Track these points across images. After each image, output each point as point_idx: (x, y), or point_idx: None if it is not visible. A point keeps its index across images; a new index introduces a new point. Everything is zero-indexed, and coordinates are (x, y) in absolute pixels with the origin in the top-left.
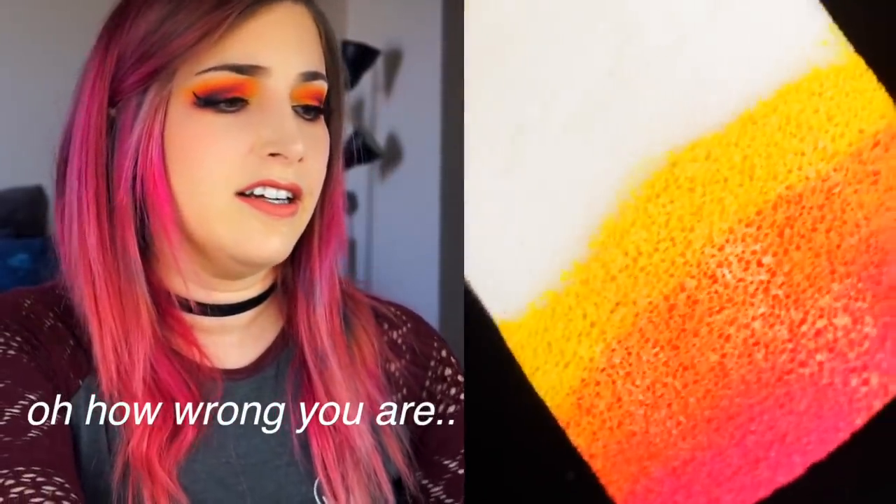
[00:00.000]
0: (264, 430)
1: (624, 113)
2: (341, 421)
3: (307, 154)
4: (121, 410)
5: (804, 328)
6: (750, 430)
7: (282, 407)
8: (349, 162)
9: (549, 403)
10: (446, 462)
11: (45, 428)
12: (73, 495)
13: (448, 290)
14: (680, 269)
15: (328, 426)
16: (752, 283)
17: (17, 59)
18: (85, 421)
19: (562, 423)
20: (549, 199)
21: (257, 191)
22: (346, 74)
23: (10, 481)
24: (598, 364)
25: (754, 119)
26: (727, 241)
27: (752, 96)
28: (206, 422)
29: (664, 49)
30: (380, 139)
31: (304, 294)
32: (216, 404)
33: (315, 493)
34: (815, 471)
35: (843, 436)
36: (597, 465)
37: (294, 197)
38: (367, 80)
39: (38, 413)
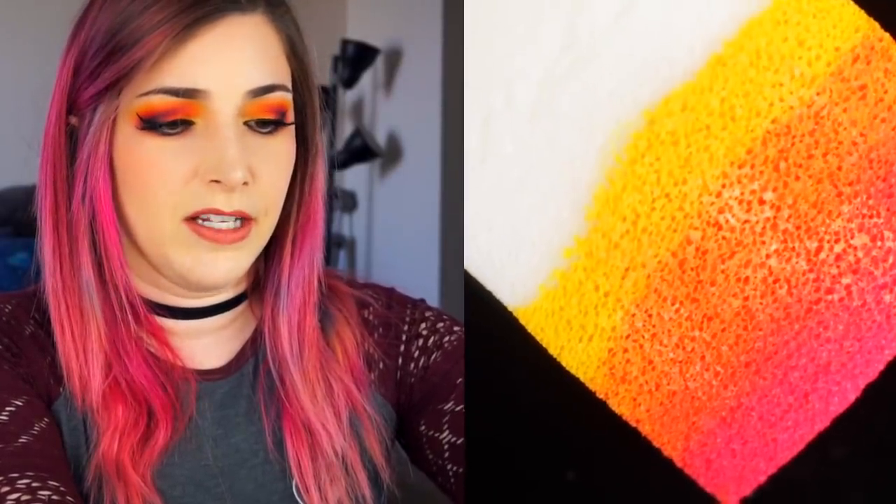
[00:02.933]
0: (241, 429)
1: (591, 82)
2: (311, 423)
3: (260, 173)
4: (92, 416)
5: (822, 255)
6: (791, 367)
7: (257, 404)
8: (349, 161)
9: (582, 379)
10: (440, 406)
11: (36, 432)
12: (69, 498)
13: (448, 288)
14: (681, 223)
15: (301, 426)
16: (757, 222)
17: (17, 57)
18: (66, 428)
19: (600, 396)
20: (536, 182)
21: (203, 216)
22: (316, 79)
23: (6, 488)
24: (621, 332)
25: (723, 61)
26: (723, 186)
27: (717, 39)
28: (180, 424)
29: (618, 10)
30: (380, 138)
31: (272, 295)
32: (191, 406)
33: (294, 490)
34: (872, 392)
35: (892, 352)
36: (645, 430)
37: (244, 220)
38: (367, 78)
39: (27, 418)
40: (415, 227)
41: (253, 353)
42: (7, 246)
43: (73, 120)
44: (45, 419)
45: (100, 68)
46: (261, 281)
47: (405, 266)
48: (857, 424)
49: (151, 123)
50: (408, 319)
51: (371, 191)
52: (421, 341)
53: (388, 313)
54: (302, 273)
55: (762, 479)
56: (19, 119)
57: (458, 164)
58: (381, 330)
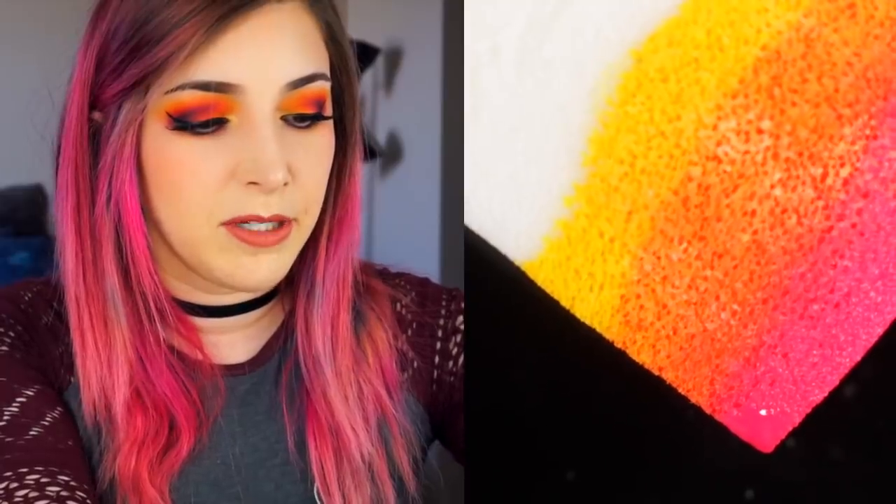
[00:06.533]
0: (262, 427)
1: (575, 26)
2: (339, 426)
3: (299, 170)
4: (108, 425)
5: (829, 181)
6: (809, 299)
7: (280, 403)
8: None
9: (598, 329)
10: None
11: (47, 424)
12: (78, 493)
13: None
14: (680, 161)
15: (326, 429)
16: (757, 152)
17: (17, 55)
18: (78, 416)
19: (619, 346)
20: (529, 133)
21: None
22: (356, 64)
23: (14, 484)
24: (630, 277)
25: None
26: (718, 118)
27: None
28: (204, 430)
29: None
30: (380, 137)
31: (305, 292)
32: (216, 410)
33: (315, 493)
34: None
35: None
36: (669, 377)
37: (284, 221)
38: (367, 78)
39: (39, 409)
40: (415, 227)
41: (278, 348)
42: (7, 246)
43: (97, 115)
44: (58, 408)
45: (124, 65)
46: (293, 277)
47: (405, 266)
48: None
49: (182, 123)
50: (443, 313)
51: (371, 191)
52: (459, 337)
53: (422, 310)
54: (337, 270)
55: (796, 420)
56: (19, 119)
57: (459, 164)
58: (414, 326)
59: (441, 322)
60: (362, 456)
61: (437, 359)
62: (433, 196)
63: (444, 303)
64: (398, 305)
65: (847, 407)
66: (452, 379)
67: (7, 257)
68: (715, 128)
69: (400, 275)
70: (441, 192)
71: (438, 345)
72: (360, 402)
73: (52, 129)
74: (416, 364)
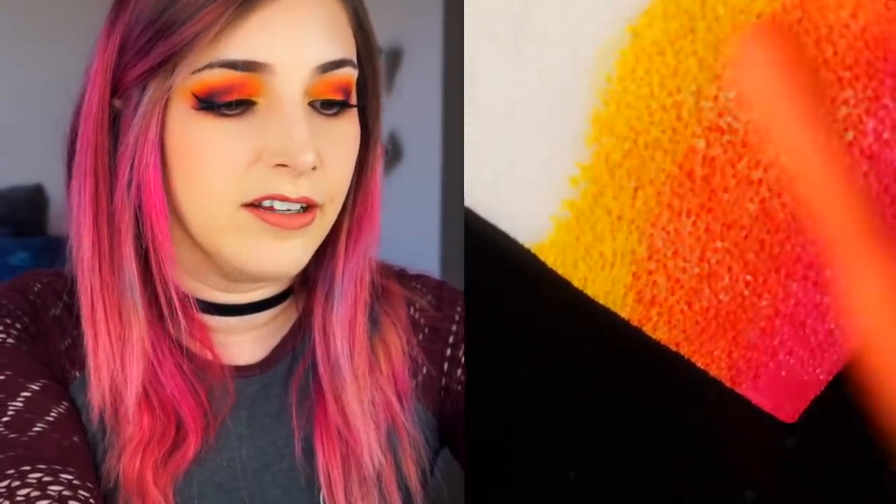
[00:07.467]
0: (270, 430)
1: (567, 4)
2: (350, 433)
3: (326, 157)
4: (113, 423)
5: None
6: (821, 265)
7: (289, 406)
8: None
9: (613, 307)
10: None
11: (52, 419)
12: (81, 492)
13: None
14: (683, 134)
15: (336, 434)
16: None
17: (18, 56)
18: (83, 412)
19: (634, 324)
20: (530, 116)
21: (265, 202)
22: (380, 56)
23: (17, 482)
24: (641, 254)
25: None
26: (718, 89)
27: None
28: (211, 431)
29: None
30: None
31: (324, 292)
32: (224, 412)
33: (321, 501)
34: None
35: None
36: (686, 351)
37: (309, 206)
38: None
39: (44, 404)
40: (415, 227)
41: (291, 350)
42: (7, 246)
43: (117, 102)
44: (64, 403)
45: (151, 44)
46: (309, 277)
47: (405, 266)
48: None
49: (209, 103)
50: (456, 319)
51: None
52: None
53: (436, 315)
54: (356, 269)
55: (818, 389)
56: (20, 119)
57: (459, 164)
58: (426, 332)
59: (454, 328)
60: (372, 464)
61: (445, 366)
62: (433, 196)
63: (458, 307)
64: (412, 309)
65: (849, 405)
66: (460, 388)
67: (7, 257)
68: (716, 98)
69: (417, 277)
70: (441, 191)
71: (448, 351)
72: (372, 409)
73: (57, 132)
74: (425, 370)
